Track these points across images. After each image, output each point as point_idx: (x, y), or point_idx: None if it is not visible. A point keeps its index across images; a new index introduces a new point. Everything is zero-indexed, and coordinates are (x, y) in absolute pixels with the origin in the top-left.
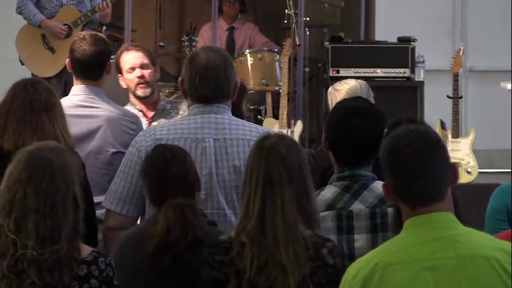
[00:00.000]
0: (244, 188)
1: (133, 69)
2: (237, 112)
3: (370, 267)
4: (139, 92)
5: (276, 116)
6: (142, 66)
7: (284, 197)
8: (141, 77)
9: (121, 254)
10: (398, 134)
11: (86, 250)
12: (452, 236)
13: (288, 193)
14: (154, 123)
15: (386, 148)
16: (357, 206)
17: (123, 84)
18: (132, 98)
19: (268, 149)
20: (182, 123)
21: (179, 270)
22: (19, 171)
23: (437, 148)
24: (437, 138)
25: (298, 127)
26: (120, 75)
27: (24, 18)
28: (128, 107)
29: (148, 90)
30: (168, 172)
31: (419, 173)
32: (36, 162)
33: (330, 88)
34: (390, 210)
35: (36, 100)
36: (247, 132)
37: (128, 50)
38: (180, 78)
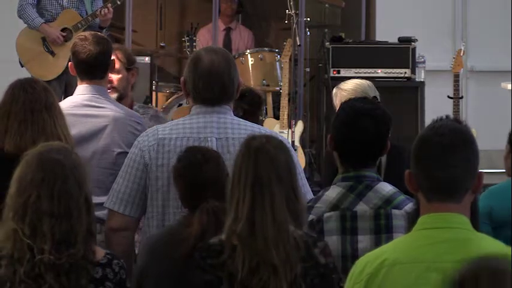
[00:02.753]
0: (232, 189)
1: None
2: (253, 122)
3: (377, 264)
4: None
5: (276, 117)
6: (112, 71)
7: (273, 197)
8: (109, 82)
9: (151, 255)
10: (435, 125)
11: (100, 252)
12: (462, 239)
13: (277, 193)
14: None
15: (419, 136)
16: (361, 207)
17: None
18: None
19: (256, 150)
20: (184, 122)
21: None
22: (31, 175)
23: (467, 148)
24: (472, 140)
25: (299, 127)
26: None
27: (24, 23)
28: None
29: (114, 96)
30: (201, 174)
31: (441, 164)
32: (48, 164)
33: (335, 89)
34: (394, 211)
35: (37, 100)
36: (250, 131)
37: None
38: (182, 79)
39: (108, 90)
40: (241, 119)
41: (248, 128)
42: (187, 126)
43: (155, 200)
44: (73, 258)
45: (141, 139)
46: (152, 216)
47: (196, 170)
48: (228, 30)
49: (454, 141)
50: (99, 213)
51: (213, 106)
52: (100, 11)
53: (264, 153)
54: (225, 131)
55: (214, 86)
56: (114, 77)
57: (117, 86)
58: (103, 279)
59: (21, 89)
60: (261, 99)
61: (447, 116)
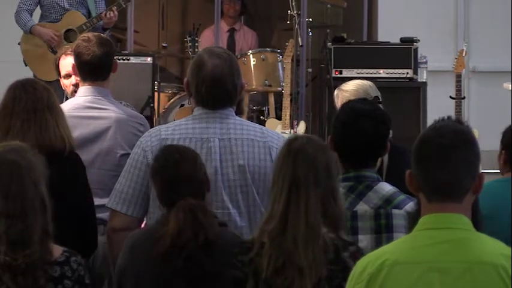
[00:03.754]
0: (272, 188)
1: (69, 76)
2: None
3: (378, 264)
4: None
5: (278, 117)
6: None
7: (309, 199)
8: (76, 85)
9: (130, 254)
10: (436, 126)
11: (58, 250)
12: (463, 239)
13: (313, 195)
14: None
15: (420, 137)
16: (362, 207)
17: (63, 86)
18: None
19: (296, 151)
20: (187, 123)
21: (191, 271)
22: None
23: (468, 149)
24: (473, 141)
25: (301, 128)
26: (59, 76)
27: (21, 29)
28: None
29: None
30: (178, 172)
31: (442, 164)
32: (3, 164)
33: (336, 90)
34: (395, 211)
35: (39, 100)
36: (252, 132)
37: (66, 55)
38: (185, 80)
39: (75, 93)
40: (244, 120)
41: (250, 128)
42: (189, 127)
43: (157, 200)
44: (29, 259)
45: (144, 139)
46: (154, 217)
47: (172, 168)
48: (232, 31)
49: (454, 142)
50: (102, 215)
51: (215, 109)
52: (105, 14)
53: (303, 154)
54: (227, 131)
55: (217, 92)
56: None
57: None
58: (61, 277)
59: (22, 89)
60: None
61: (449, 117)
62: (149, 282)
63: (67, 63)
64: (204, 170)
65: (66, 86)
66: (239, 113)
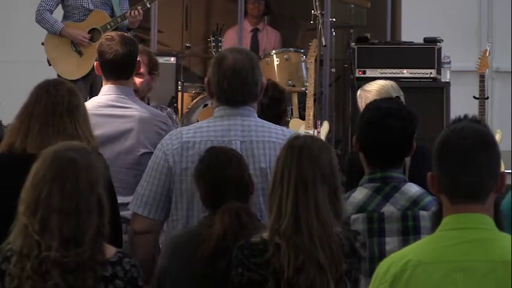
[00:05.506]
0: (273, 189)
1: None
2: (273, 116)
3: (402, 264)
4: None
5: (302, 117)
6: (136, 74)
7: (317, 196)
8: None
9: (172, 256)
10: (456, 127)
11: (111, 251)
12: (486, 239)
13: (321, 192)
14: None
15: (440, 139)
16: (388, 209)
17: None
18: None
19: (300, 149)
20: (209, 125)
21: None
22: (44, 171)
23: (489, 150)
24: (493, 142)
25: (325, 128)
26: None
27: (43, 28)
28: None
29: None
30: (223, 174)
31: (464, 167)
32: (61, 161)
33: (359, 91)
34: (422, 213)
35: (58, 103)
36: (273, 134)
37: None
38: (206, 79)
39: None
40: (265, 122)
41: (272, 130)
42: (211, 129)
43: (180, 203)
44: (80, 257)
45: (165, 142)
46: (177, 219)
47: (218, 170)
48: (255, 31)
49: (475, 144)
50: (125, 213)
51: (237, 107)
52: (130, 13)
53: (307, 153)
54: (249, 134)
55: (238, 85)
56: (137, 80)
57: (139, 89)
58: (113, 277)
59: (45, 90)
60: (281, 94)
61: (465, 116)
62: (190, 284)
63: None
64: (248, 172)
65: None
66: (284, 116)
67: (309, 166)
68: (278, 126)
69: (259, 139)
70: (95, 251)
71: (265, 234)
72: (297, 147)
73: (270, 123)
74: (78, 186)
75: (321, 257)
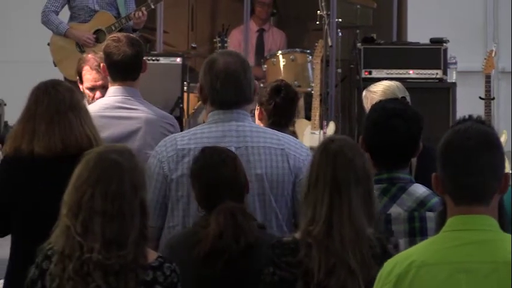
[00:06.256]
0: (308, 192)
1: (93, 89)
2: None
3: (406, 265)
4: None
5: (308, 117)
6: (104, 87)
7: (351, 200)
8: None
9: (170, 257)
10: (460, 128)
11: (152, 255)
12: (490, 240)
13: (355, 196)
14: None
15: (444, 139)
16: (395, 210)
17: (84, 92)
18: None
19: (335, 153)
20: (203, 131)
21: (231, 275)
22: (88, 173)
23: (493, 150)
24: (497, 143)
25: (331, 128)
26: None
27: (49, 29)
28: None
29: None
30: (218, 175)
31: (468, 169)
32: (105, 163)
33: (364, 91)
34: (429, 214)
35: (60, 101)
36: (269, 139)
37: (92, 69)
38: (198, 85)
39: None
40: (260, 126)
41: (267, 135)
42: (205, 135)
43: (176, 209)
44: (122, 260)
45: (160, 149)
46: (173, 226)
47: (212, 171)
48: (261, 31)
49: (479, 144)
50: None
51: (231, 112)
52: (134, 14)
53: (342, 156)
54: (244, 139)
55: (231, 87)
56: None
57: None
58: (153, 282)
59: (44, 91)
60: (295, 96)
61: (470, 116)
62: (187, 284)
63: (91, 77)
64: (243, 172)
65: (89, 95)
66: (292, 117)
67: (344, 170)
68: (272, 131)
69: (254, 145)
70: (138, 254)
71: (297, 234)
72: (332, 150)
73: (266, 128)
74: (122, 189)
75: (351, 262)
